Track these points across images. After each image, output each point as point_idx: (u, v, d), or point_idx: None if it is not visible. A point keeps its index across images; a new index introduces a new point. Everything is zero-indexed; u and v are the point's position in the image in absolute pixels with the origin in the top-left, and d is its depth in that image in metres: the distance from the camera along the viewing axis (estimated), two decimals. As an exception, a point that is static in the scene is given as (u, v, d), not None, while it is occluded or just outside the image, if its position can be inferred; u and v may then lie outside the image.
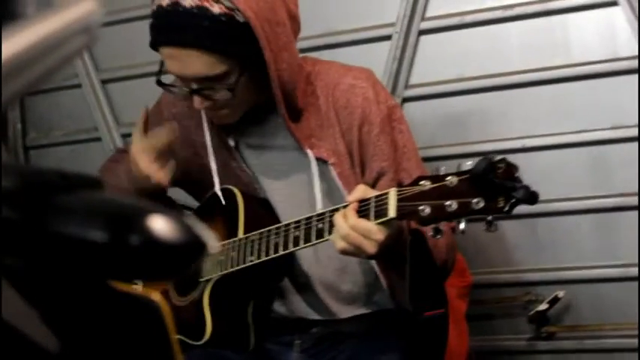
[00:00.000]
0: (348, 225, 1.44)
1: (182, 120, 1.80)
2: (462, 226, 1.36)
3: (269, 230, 1.61)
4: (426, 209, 1.37)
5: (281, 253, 1.58)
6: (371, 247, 1.44)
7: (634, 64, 2.13)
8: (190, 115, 1.77)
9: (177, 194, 1.94)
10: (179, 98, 1.72)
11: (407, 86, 2.35)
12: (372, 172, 1.66)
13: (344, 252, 1.47)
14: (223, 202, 1.73)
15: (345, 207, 1.47)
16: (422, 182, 1.39)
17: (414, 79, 2.35)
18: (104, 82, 2.73)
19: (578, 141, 2.21)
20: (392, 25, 2.34)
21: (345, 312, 1.76)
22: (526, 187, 1.30)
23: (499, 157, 1.32)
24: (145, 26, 1.63)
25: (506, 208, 1.31)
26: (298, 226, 1.56)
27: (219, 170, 1.75)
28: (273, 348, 1.78)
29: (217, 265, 1.69)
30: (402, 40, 2.32)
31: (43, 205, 0.50)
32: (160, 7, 1.56)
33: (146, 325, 0.61)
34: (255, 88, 1.62)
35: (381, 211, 1.43)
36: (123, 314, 0.60)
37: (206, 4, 1.52)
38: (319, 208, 1.60)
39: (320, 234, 1.52)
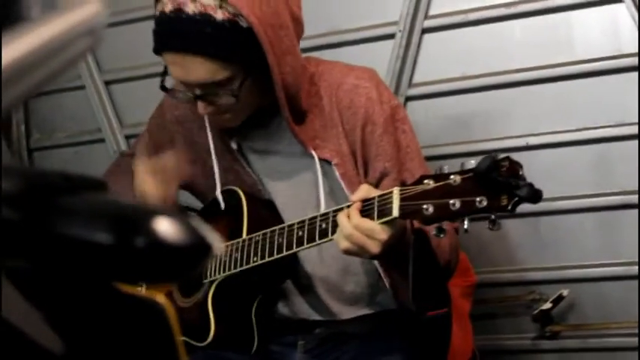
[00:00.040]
0: (351, 225, 1.44)
1: (185, 122, 1.80)
2: (466, 225, 1.36)
3: (273, 231, 1.61)
4: (429, 208, 1.36)
5: (285, 253, 1.58)
6: (374, 247, 1.44)
7: (636, 61, 2.12)
8: (193, 118, 1.77)
9: (182, 196, 1.94)
10: (182, 103, 1.72)
11: (410, 85, 2.35)
12: (375, 172, 1.66)
13: (347, 252, 1.47)
14: (223, 207, 1.73)
15: (348, 207, 1.47)
16: (425, 181, 1.38)
17: (417, 78, 2.35)
18: (107, 83, 2.73)
19: (581, 139, 2.21)
20: (395, 23, 2.34)
21: (347, 313, 1.76)
22: (530, 186, 1.30)
23: (503, 156, 1.32)
24: (148, 27, 1.63)
25: (510, 207, 1.30)
26: (302, 227, 1.55)
27: (222, 173, 1.75)
28: (277, 349, 1.78)
29: (221, 266, 1.69)
30: (406, 38, 2.32)
31: (47, 207, 0.50)
32: (162, 13, 1.55)
33: (151, 328, 0.61)
34: (258, 92, 1.62)
35: (384, 211, 1.42)
36: (128, 316, 0.60)
37: (209, 11, 1.51)
38: (323, 208, 1.60)
39: (324, 234, 1.52)
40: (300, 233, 1.55)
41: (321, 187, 1.65)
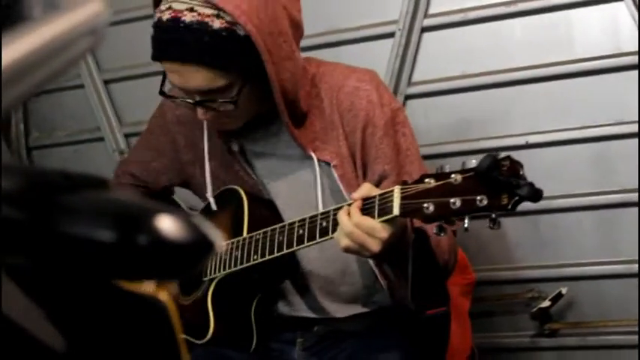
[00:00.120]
0: (352, 223, 1.44)
1: (185, 122, 1.80)
2: (466, 223, 1.36)
3: (273, 229, 1.61)
4: (430, 207, 1.37)
5: (285, 251, 1.58)
6: (374, 245, 1.44)
7: (637, 59, 2.12)
8: (193, 119, 1.77)
9: (183, 194, 1.94)
10: (182, 107, 1.72)
11: (410, 83, 2.35)
12: (374, 174, 1.65)
13: (347, 250, 1.47)
14: (215, 209, 1.73)
15: (349, 205, 1.47)
16: (426, 180, 1.38)
17: (416, 77, 2.35)
18: (107, 82, 2.73)
19: (581, 137, 2.21)
20: (394, 22, 2.34)
21: (344, 311, 1.76)
22: (530, 185, 1.30)
23: (504, 155, 1.32)
24: (147, 26, 1.63)
25: (510, 206, 1.31)
26: (303, 225, 1.55)
27: (222, 174, 1.75)
28: (276, 346, 1.78)
29: (221, 264, 1.69)
30: (405, 37, 2.32)
31: (48, 205, 0.50)
32: (160, 20, 1.55)
33: (153, 325, 0.61)
34: (257, 98, 1.62)
35: (385, 209, 1.43)
36: (130, 314, 0.60)
37: (206, 20, 1.51)
38: (321, 210, 1.60)
39: (324, 232, 1.52)
40: (301, 231, 1.55)
41: (319, 188, 1.65)
